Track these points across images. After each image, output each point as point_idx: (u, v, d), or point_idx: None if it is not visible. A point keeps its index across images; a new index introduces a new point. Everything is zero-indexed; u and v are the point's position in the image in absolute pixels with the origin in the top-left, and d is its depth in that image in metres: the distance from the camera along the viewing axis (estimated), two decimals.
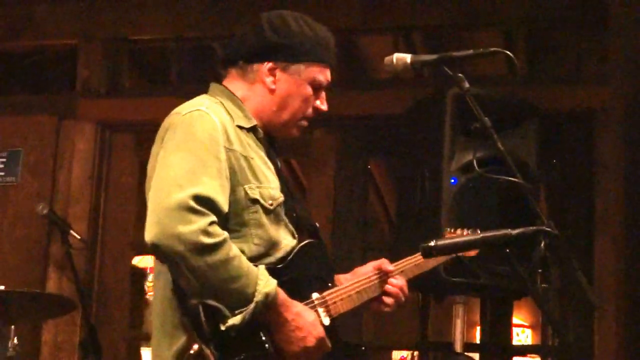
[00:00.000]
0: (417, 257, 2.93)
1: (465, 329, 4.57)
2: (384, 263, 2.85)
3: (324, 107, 2.82)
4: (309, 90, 2.76)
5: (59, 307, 4.74)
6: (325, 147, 5.59)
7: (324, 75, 2.78)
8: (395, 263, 2.90)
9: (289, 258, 2.64)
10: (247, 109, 2.73)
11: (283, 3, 5.29)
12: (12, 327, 4.49)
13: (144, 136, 6.13)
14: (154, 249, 2.45)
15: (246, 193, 2.59)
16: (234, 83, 2.77)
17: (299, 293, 2.61)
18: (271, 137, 2.82)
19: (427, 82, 5.45)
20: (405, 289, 2.87)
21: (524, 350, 8.80)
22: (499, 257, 3.77)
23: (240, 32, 2.82)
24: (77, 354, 5.51)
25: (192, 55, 6.35)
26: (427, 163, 4.40)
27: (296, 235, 2.72)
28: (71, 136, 5.87)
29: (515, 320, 9.28)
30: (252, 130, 2.72)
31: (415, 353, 5.45)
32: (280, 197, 2.68)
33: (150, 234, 2.44)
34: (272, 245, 2.62)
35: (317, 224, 2.84)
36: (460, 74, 2.64)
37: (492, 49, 2.76)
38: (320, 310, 2.64)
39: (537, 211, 2.57)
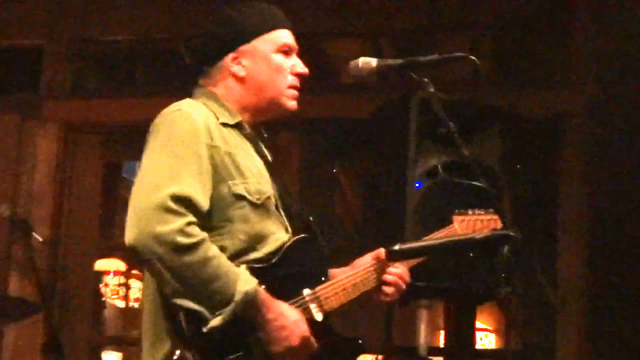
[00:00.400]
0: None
1: (429, 333, 4.57)
2: (382, 252, 2.80)
3: (301, 68, 2.81)
4: (277, 59, 2.76)
5: (21, 310, 4.71)
6: (291, 149, 5.59)
7: (283, 38, 2.79)
8: None
9: (279, 254, 2.62)
10: (231, 107, 2.73)
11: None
12: None
13: (109, 137, 6.09)
14: (133, 251, 2.43)
15: (230, 189, 2.59)
16: (210, 88, 2.78)
17: (290, 289, 2.59)
18: (259, 131, 2.82)
19: (393, 86, 5.46)
20: (406, 276, 2.83)
21: (487, 354, 8.82)
22: (463, 261, 3.81)
23: (194, 44, 2.87)
24: (39, 357, 5.46)
25: (158, 56, 6.32)
26: (393, 167, 4.40)
27: (289, 230, 2.72)
28: (35, 136, 5.81)
29: (479, 324, 9.32)
30: (237, 126, 2.72)
31: (380, 357, 5.47)
32: (269, 192, 2.68)
33: (128, 236, 2.43)
34: (259, 239, 2.61)
35: (312, 218, 2.81)
36: (425, 79, 2.65)
37: (457, 54, 2.77)
38: (312, 306, 2.62)
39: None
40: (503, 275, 2.55)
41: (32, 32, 6.02)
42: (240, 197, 2.60)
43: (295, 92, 2.80)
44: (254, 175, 2.66)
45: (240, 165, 2.64)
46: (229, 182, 2.59)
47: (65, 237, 5.80)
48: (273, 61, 2.76)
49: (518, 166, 4.90)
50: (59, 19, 5.96)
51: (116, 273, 9.69)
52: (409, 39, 6.03)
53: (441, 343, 7.98)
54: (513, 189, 5.16)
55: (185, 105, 2.65)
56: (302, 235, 2.71)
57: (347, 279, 2.74)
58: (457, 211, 3.10)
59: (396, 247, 2.64)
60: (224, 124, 2.68)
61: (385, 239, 2.83)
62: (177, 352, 2.44)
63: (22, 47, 6.21)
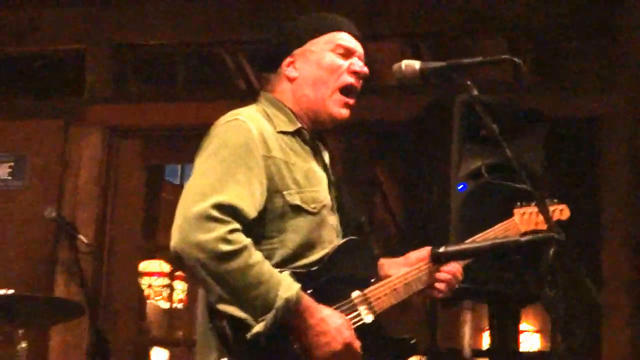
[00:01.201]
0: (475, 240, 2.88)
1: (473, 334, 4.56)
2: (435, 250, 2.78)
3: (359, 67, 2.75)
4: (332, 58, 2.73)
5: (66, 311, 4.75)
6: (333, 152, 5.60)
7: (339, 40, 2.75)
8: (450, 247, 2.81)
9: (325, 258, 2.61)
10: (293, 111, 2.73)
11: (286, 9, 5.31)
12: (21, 331, 4.50)
13: (151, 141, 6.15)
14: (176, 256, 2.45)
15: (285, 199, 2.59)
16: (271, 94, 2.78)
17: (338, 292, 2.59)
18: (321, 136, 2.81)
19: (435, 88, 5.46)
20: (459, 274, 2.80)
21: (532, 356, 8.79)
22: (506, 264, 3.79)
23: (257, 52, 2.87)
24: (85, 358, 5.51)
25: (198, 61, 6.36)
26: (435, 169, 4.39)
27: (340, 236, 2.71)
28: (78, 141, 5.88)
29: (523, 325, 9.28)
30: (296, 133, 2.71)
31: (424, 359, 5.46)
32: (325, 199, 2.68)
33: (172, 241, 2.45)
34: (310, 247, 2.61)
35: (364, 218, 2.82)
36: (468, 81, 2.64)
37: (502, 56, 2.76)
38: (362, 308, 2.61)
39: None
40: (548, 277, 2.54)
41: (74, 37, 6.09)
42: (295, 207, 2.60)
43: (343, 98, 2.73)
44: (311, 183, 2.66)
45: (298, 174, 2.63)
46: (284, 192, 2.59)
47: (109, 240, 5.87)
48: (325, 60, 2.72)
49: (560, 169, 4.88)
50: (100, 24, 6.02)
51: (160, 274, 9.76)
52: (447, 42, 6.03)
53: (485, 345, 7.96)
54: (556, 191, 5.14)
55: (241, 115, 2.64)
56: (350, 237, 2.70)
57: (398, 279, 2.72)
58: (518, 203, 3.06)
59: (441, 250, 2.64)
60: (283, 132, 2.68)
61: (428, 242, 2.82)
62: (222, 359, 2.45)
63: (65, 53, 6.28)
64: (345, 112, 2.75)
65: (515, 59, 2.75)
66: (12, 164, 5.92)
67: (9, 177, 5.90)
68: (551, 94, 5.31)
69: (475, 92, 2.63)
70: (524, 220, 3.02)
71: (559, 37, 5.69)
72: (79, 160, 5.86)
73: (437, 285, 2.77)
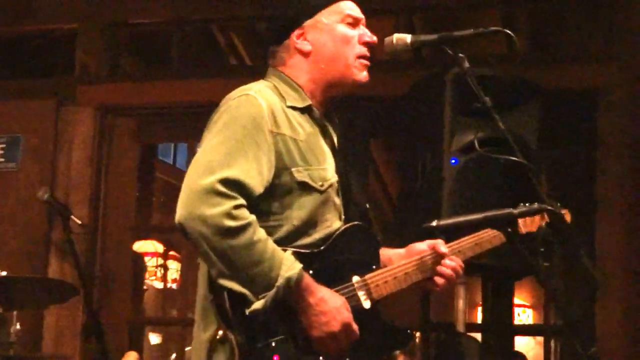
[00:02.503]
0: (479, 235, 2.88)
1: (467, 309, 4.57)
2: (438, 244, 2.76)
3: (368, 37, 2.75)
4: (344, 29, 2.73)
5: (61, 292, 4.75)
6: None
7: (347, 9, 2.75)
8: (452, 243, 2.82)
9: (329, 241, 2.61)
10: (302, 87, 2.71)
11: None
12: (15, 312, 4.50)
13: (144, 120, 6.12)
14: (181, 229, 2.45)
15: (293, 176, 2.58)
16: (280, 68, 2.75)
17: (339, 276, 2.58)
18: (330, 114, 2.79)
19: (427, 63, 5.43)
20: (460, 270, 2.78)
21: (526, 330, 8.82)
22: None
23: (260, 28, 2.82)
24: (80, 339, 5.52)
25: (192, 39, 6.33)
26: (428, 144, 4.39)
27: (343, 217, 2.70)
28: (71, 121, 5.86)
29: (517, 300, 9.30)
30: (306, 109, 2.70)
31: (418, 334, 5.46)
32: (333, 178, 2.67)
33: (178, 214, 2.45)
34: (313, 225, 2.61)
35: (367, 206, 2.80)
36: (460, 54, 2.62)
37: (493, 28, 2.74)
38: (361, 293, 2.60)
39: (538, 190, 2.56)
40: (542, 249, 2.54)
41: (67, 16, 6.05)
42: (302, 184, 2.59)
43: (365, 62, 2.74)
44: (319, 161, 2.65)
45: (306, 151, 2.62)
46: (292, 169, 2.58)
47: (103, 220, 5.85)
48: (338, 32, 2.71)
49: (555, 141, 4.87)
50: (93, 2, 5.98)
51: (154, 254, 9.77)
52: (441, 16, 6.00)
53: (479, 319, 7.97)
54: (550, 164, 5.13)
55: (252, 90, 2.62)
56: (355, 223, 2.70)
57: (398, 267, 2.72)
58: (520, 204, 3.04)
59: (434, 223, 2.63)
60: (293, 107, 2.66)
61: (422, 216, 2.82)
62: (220, 332, 2.46)
63: (57, 32, 6.25)
64: (367, 75, 2.76)
65: (507, 31, 2.73)
66: (4, 145, 5.90)
67: (2, 159, 5.89)
68: (547, 65, 5.28)
69: (468, 65, 2.61)
70: (527, 221, 3.01)
71: (556, 7, 5.65)
72: (72, 140, 5.85)
73: (437, 279, 2.76)
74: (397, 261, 2.75)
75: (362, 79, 2.75)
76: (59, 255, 5.64)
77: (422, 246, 2.78)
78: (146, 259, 9.59)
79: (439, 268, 2.76)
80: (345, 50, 2.71)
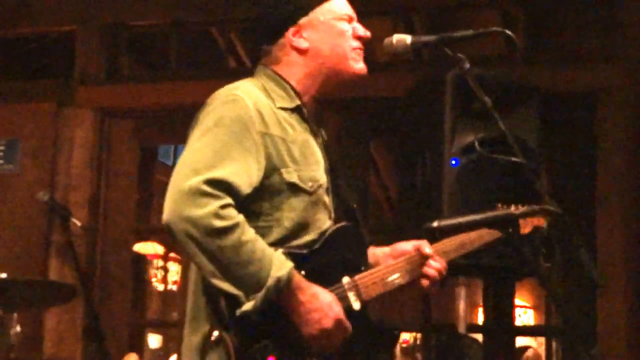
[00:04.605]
0: (462, 237, 2.87)
1: (468, 310, 4.57)
2: (423, 245, 2.75)
3: (362, 31, 2.76)
4: (340, 25, 2.73)
5: (61, 294, 4.74)
6: (326, 128, 5.57)
7: (343, 7, 2.76)
8: (436, 243, 2.81)
9: (319, 242, 2.60)
10: (297, 85, 2.70)
11: None
12: (15, 314, 4.49)
13: (143, 122, 6.12)
14: (168, 230, 2.44)
15: (282, 177, 2.57)
16: (273, 67, 2.74)
17: (329, 277, 2.57)
18: (318, 114, 2.78)
19: (427, 63, 5.43)
20: (444, 271, 2.77)
21: (527, 331, 8.81)
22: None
23: (253, 24, 2.80)
24: (80, 341, 5.51)
25: (191, 40, 6.33)
26: (428, 144, 4.38)
27: (332, 217, 2.69)
28: (70, 123, 5.85)
29: (518, 301, 9.30)
30: (296, 110, 2.68)
31: (419, 335, 5.46)
32: (322, 179, 2.66)
33: (164, 215, 2.44)
34: (304, 227, 2.60)
35: (355, 206, 2.78)
36: (460, 55, 2.62)
37: (493, 29, 2.74)
38: (351, 294, 2.59)
39: (539, 191, 2.56)
40: (542, 250, 2.53)
41: (65, 18, 6.04)
42: (292, 185, 2.58)
43: (359, 53, 2.75)
44: (308, 161, 2.64)
45: (295, 152, 2.61)
46: (282, 169, 2.57)
47: (103, 222, 5.85)
48: (335, 28, 2.72)
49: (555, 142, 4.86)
50: (91, 4, 5.98)
51: (154, 256, 9.76)
52: (441, 16, 5.99)
53: (480, 320, 7.97)
54: (550, 164, 5.13)
55: (239, 90, 2.61)
56: (344, 223, 2.69)
57: (386, 269, 2.71)
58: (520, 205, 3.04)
59: (435, 224, 2.62)
60: (282, 108, 2.65)
61: (422, 218, 2.81)
62: (215, 333, 2.44)
63: (56, 34, 6.24)
64: (364, 67, 2.76)
65: (507, 31, 2.73)
66: (3, 147, 5.90)
67: (1, 161, 5.88)
68: (547, 66, 5.27)
69: (468, 66, 2.61)
70: (526, 221, 3.00)
71: (555, 6, 5.64)
72: (71, 142, 5.84)
73: (423, 281, 2.75)
74: (384, 261, 2.74)
75: (360, 70, 2.75)
76: (59, 257, 5.63)
77: (407, 246, 2.77)
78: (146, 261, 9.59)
79: (425, 269, 2.75)
80: (341, 44, 2.71)
